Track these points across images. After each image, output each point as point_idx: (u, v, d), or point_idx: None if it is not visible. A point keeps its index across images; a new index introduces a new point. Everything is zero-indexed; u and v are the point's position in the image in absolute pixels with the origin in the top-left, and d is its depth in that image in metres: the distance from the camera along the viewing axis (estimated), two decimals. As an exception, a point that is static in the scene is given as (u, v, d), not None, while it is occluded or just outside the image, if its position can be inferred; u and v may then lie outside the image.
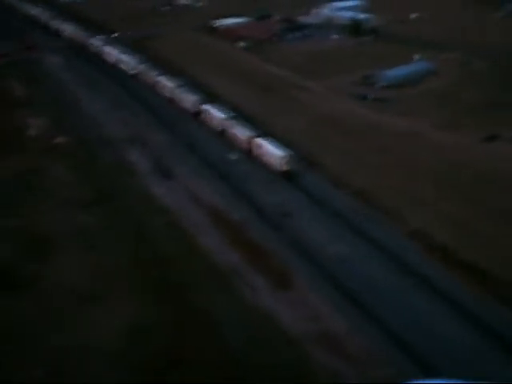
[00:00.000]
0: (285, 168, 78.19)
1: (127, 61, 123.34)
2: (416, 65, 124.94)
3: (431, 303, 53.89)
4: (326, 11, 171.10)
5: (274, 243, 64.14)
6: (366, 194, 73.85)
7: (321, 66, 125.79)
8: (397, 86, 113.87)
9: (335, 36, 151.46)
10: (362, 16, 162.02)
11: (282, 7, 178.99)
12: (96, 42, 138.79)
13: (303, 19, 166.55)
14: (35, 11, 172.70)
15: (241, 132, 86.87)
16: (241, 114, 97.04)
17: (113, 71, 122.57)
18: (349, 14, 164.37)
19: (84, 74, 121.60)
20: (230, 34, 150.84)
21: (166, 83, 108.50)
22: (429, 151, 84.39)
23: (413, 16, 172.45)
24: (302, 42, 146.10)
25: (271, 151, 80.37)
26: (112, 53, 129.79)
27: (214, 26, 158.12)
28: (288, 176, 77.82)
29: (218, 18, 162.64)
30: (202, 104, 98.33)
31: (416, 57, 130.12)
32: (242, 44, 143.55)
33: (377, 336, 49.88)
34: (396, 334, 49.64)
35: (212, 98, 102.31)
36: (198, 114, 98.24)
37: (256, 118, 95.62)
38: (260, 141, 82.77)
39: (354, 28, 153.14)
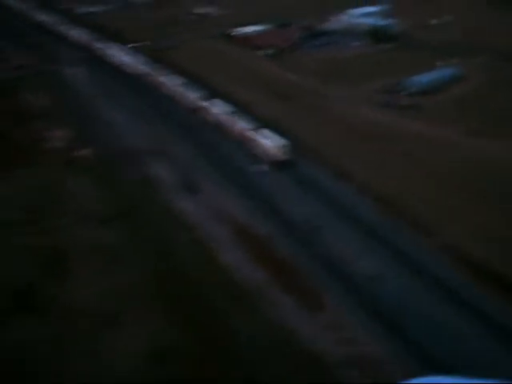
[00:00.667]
0: (283, 157, 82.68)
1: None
2: (441, 71, 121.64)
3: (473, 327, 50.74)
4: (346, 18, 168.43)
5: (300, 258, 61.59)
6: (395, 205, 71.12)
7: (343, 73, 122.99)
8: (422, 93, 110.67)
9: (357, 43, 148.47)
10: (383, 22, 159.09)
11: (302, 14, 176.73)
12: (114, 52, 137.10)
13: (324, 26, 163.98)
14: (52, 22, 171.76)
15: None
16: (265, 124, 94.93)
17: (132, 81, 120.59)
18: (370, 21, 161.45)
19: (103, 84, 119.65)
20: (250, 42, 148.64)
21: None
22: (458, 159, 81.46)
23: (435, 21, 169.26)
24: (323, 50, 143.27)
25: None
26: (131, 63, 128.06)
27: (234, 34, 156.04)
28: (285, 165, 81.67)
29: (237, 26, 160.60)
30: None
31: (440, 62, 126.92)
32: (262, 52, 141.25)
33: (415, 363, 46.92)
34: (438, 362, 46.65)
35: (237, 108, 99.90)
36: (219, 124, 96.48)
37: (281, 128, 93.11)
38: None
39: (376, 34, 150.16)
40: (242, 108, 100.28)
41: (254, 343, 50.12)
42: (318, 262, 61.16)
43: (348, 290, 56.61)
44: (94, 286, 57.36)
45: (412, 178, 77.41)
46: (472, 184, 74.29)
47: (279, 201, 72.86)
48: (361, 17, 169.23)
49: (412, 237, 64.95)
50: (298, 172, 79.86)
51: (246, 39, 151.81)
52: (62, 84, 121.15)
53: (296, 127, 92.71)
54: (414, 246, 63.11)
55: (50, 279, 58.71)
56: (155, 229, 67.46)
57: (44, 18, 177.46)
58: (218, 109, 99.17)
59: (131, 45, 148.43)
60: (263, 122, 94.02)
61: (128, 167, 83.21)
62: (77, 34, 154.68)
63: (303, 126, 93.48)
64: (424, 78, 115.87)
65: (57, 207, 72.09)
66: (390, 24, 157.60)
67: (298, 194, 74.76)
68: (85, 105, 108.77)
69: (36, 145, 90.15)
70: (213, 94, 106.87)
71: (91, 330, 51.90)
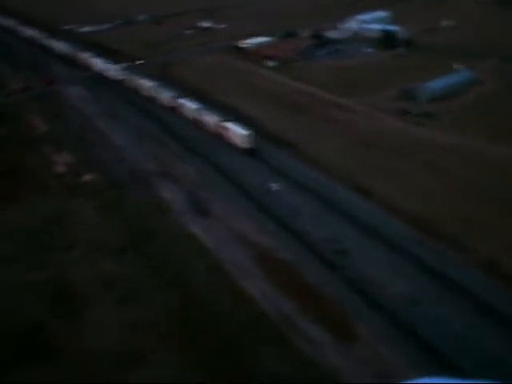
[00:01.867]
0: (247, 146, 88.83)
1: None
2: (456, 75, 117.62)
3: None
4: (352, 25, 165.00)
5: (329, 285, 57.26)
6: (421, 220, 67.03)
7: (355, 82, 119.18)
8: (438, 99, 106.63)
9: (366, 50, 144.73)
10: (391, 28, 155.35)
11: (307, 23, 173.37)
12: (118, 70, 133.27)
13: (330, 34, 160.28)
14: (55, 43, 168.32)
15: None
16: (277, 139, 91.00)
17: (137, 100, 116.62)
18: (378, 27, 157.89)
19: (107, 105, 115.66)
20: (257, 54, 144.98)
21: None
22: (483, 169, 77.41)
23: (442, 24, 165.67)
24: (332, 58, 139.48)
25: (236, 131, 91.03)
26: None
27: (240, 46, 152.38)
28: (249, 152, 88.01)
29: (242, 38, 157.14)
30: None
31: (454, 67, 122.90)
32: (269, 64, 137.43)
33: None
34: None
35: (246, 123, 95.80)
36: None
37: (294, 142, 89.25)
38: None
39: (386, 40, 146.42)
40: (253, 124, 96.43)
41: (286, 380, 45.91)
42: (347, 286, 56.92)
43: (382, 317, 52.34)
44: (109, 325, 53.11)
45: (437, 190, 73.30)
46: (503, 195, 70.08)
47: (300, 222, 68.64)
48: (368, 23, 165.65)
49: (445, 254, 60.73)
50: (318, 191, 75.67)
51: (252, 51, 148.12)
52: (64, 105, 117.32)
53: (309, 141, 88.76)
54: (448, 262, 58.86)
55: (61, 319, 54.48)
56: (170, 257, 63.05)
57: (47, 39, 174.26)
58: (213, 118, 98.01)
59: (137, 62, 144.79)
60: (276, 139, 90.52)
61: (135, 190, 79.02)
62: (77, 53, 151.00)
63: (316, 139, 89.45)
64: (438, 84, 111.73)
65: (65, 238, 67.85)
66: (398, 29, 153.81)
67: (323, 215, 70.60)
68: (87, 126, 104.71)
69: (41, 170, 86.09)
70: (223, 111, 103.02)
71: (107, 374, 47.62)
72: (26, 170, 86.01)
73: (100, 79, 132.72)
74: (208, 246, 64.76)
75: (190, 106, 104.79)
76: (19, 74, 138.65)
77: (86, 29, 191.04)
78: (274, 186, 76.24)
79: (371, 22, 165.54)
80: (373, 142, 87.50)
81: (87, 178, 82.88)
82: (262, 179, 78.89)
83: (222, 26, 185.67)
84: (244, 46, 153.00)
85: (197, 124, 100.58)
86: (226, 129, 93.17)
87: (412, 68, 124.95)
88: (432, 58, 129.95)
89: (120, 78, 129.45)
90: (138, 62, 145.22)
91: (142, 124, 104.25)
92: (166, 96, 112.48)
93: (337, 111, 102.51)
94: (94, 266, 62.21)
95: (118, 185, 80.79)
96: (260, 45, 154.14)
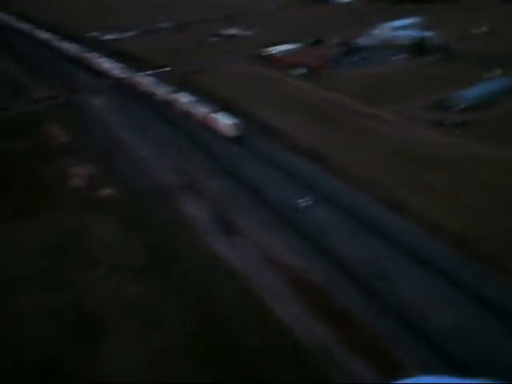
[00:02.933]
0: (234, 134, 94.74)
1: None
2: (491, 83, 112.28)
3: None
4: (383, 31, 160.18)
5: (367, 311, 52.59)
6: (464, 239, 62.11)
7: (386, 90, 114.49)
8: (475, 108, 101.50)
9: (397, 57, 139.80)
10: (422, 34, 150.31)
11: (333, 30, 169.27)
12: (142, 79, 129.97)
13: (360, 42, 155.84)
14: (75, 50, 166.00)
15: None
16: (306, 152, 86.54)
17: (162, 110, 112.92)
18: (409, 33, 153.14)
19: (130, 115, 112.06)
20: (284, 62, 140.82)
21: (221, 120, 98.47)
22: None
23: (476, 31, 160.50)
24: (361, 66, 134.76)
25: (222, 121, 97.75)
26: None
27: (266, 54, 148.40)
28: (236, 140, 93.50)
29: (268, 46, 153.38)
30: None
31: (489, 74, 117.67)
32: (297, 72, 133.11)
33: None
34: None
35: (272, 134, 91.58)
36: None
37: (324, 154, 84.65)
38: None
39: (417, 47, 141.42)
40: (281, 136, 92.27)
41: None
42: (386, 313, 52.18)
43: (427, 347, 47.56)
44: (131, 354, 49.05)
45: (478, 206, 68.34)
46: None
47: (334, 242, 64.00)
48: (397, 30, 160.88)
49: (491, 278, 55.84)
50: (350, 206, 71.08)
51: (279, 59, 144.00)
52: (86, 116, 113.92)
53: (342, 154, 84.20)
54: (495, 287, 53.94)
55: (80, 346, 50.57)
56: (195, 279, 58.77)
57: (67, 46, 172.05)
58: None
59: (160, 70, 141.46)
60: (305, 151, 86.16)
61: (156, 205, 74.95)
62: (101, 61, 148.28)
63: (350, 152, 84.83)
64: (474, 92, 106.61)
65: (83, 257, 63.92)
66: (429, 36, 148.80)
67: (357, 233, 65.92)
68: (109, 138, 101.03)
69: (59, 184, 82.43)
70: (250, 121, 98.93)
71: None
72: (43, 183, 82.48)
73: (124, 89, 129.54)
74: (236, 266, 60.26)
75: (182, 99, 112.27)
76: (44, 82, 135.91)
77: (110, 36, 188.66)
78: (303, 202, 71.55)
79: (402, 28, 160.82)
80: (407, 154, 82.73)
81: (106, 191, 78.95)
82: (291, 194, 74.42)
83: (247, 33, 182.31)
84: (270, 53, 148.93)
85: (188, 115, 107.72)
86: (215, 119, 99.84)
87: (445, 76, 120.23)
88: (466, 66, 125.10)
89: (145, 87, 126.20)
90: (162, 70, 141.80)
91: (163, 132, 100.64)
92: (162, 90, 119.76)
93: (368, 121, 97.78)
94: (116, 287, 58.19)
95: (137, 199, 76.79)
96: (287, 52, 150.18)
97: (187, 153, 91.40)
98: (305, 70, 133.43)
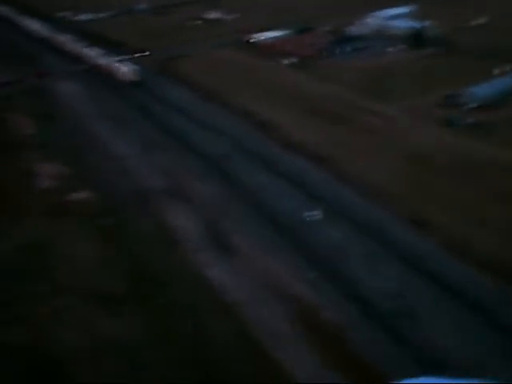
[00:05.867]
0: (132, 78, 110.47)
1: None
2: (503, 80, 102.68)
3: None
4: (375, 20, 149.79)
5: (396, 366, 42.38)
6: (499, 265, 52.23)
7: (386, 85, 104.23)
8: (488, 107, 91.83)
9: (393, 49, 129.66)
10: (419, 25, 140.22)
11: (322, 17, 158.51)
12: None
13: (351, 30, 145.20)
14: (44, 31, 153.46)
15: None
16: (306, 153, 76.32)
17: (140, 100, 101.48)
18: (404, 23, 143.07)
19: (106, 105, 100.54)
20: (271, 50, 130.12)
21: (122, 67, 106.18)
22: None
23: (474, 22, 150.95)
24: (356, 57, 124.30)
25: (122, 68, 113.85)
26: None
27: (252, 41, 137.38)
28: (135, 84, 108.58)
29: (253, 32, 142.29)
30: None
31: (499, 70, 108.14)
32: (286, 61, 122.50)
33: None
34: None
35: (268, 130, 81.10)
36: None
37: (326, 156, 74.47)
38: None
39: (415, 39, 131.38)
40: (274, 133, 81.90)
41: None
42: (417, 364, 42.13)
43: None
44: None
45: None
46: None
47: (349, 268, 53.75)
48: (390, 19, 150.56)
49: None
50: (363, 222, 60.95)
51: (267, 47, 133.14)
52: (54, 103, 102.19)
53: (346, 157, 74.15)
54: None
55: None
56: (183, 314, 48.08)
57: (36, 26, 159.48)
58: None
59: (137, 55, 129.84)
60: (305, 152, 75.93)
61: (137, 214, 64.07)
62: (72, 44, 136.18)
63: (357, 154, 74.93)
64: (486, 89, 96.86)
65: (47, 281, 52.75)
66: (425, 27, 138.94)
67: (374, 256, 55.79)
68: (80, 129, 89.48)
69: (23, 186, 71.07)
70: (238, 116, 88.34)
71: None
72: (3, 184, 71.05)
73: (97, 74, 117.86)
74: (232, 298, 49.73)
75: (91, 52, 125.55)
76: (7, 65, 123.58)
77: (83, 17, 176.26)
78: (311, 216, 61.25)
79: (396, 17, 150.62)
80: (423, 160, 72.80)
81: (77, 195, 67.89)
82: (295, 205, 64.07)
83: (231, 17, 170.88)
84: (257, 40, 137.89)
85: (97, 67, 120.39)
86: (116, 67, 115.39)
87: (449, 70, 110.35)
88: (469, 59, 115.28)
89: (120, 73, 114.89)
90: (140, 55, 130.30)
91: (143, 125, 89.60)
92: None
93: (373, 119, 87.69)
94: (84, 323, 47.25)
95: (115, 205, 65.75)
96: (274, 39, 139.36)
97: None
98: (295, 60, 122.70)
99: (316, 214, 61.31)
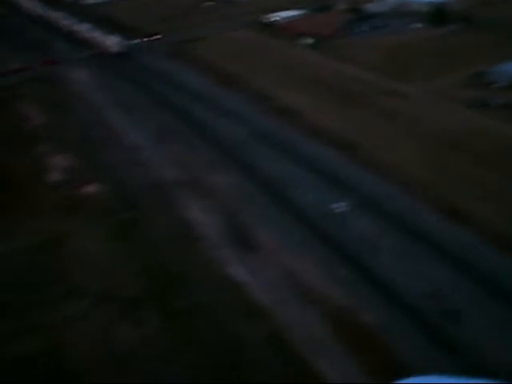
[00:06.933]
0: (117, 49, 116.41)
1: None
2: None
3: None
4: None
5: (437, 365, 38.81)
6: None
7: (409, 64, 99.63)
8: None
9: (415, 25, 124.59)
10: (440, 0, 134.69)
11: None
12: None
13: (370, 8, 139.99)
14: (53, 16, 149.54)
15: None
16: (329, 138, 72.23)
17: (154, 87, 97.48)
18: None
19: (118, 92, 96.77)
20: (289, 30, 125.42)
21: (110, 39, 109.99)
22: None
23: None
24: (376, 36, 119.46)
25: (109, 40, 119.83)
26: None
27: (268, 21, 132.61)
28: (122, 56, 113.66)
29: (269, 12, 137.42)
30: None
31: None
32: (305, 41, 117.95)
33: None
34: None
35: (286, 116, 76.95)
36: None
37: (352, 143, 70.37)
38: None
39: (437, 15, 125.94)
40: (295, 120, 77.82)
41: None
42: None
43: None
44: None
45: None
46: None
47: (382, 263, 49.94)
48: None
49: None
50: (396, 214, 56.95)
51: (283, 27, 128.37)
52: (65, 92, 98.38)
53: (369, 142, 70.00)
54: None
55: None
56: (208, 319, 44.62)
57: (45, 12, 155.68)
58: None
59: (150, 38, 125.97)
60: (328, 138, 71.82)
61: (153, 209, 60.47)
62: (82, 29, 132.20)
63: (383, 140, 70.71)
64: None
65: (61, 284, 49.54)
66: (447, 2, 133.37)
67: (411, 252, 51.86)
68: (91, 119, 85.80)
69: (35, 180, 67.78)
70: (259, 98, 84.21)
71: None
72: (14, 178, 67.72)
73: (108, 60, 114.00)
74: (259, 300, 46.18)
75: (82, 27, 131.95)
76: (15, 51, 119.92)
77: (90, 1, 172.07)
78: (339, 207, 57.41)
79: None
80: (456, 146, 68.55)
81: (90, 188, 64.52)
82: (324, 196, 60.10)
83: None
84: (273, 20, 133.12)
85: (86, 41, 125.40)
86: (103, 39, 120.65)
87: (474, 47, 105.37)
88: (496, 36, 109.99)
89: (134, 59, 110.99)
90: (153, 38, 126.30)
91: (158, 112, 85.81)
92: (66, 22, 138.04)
93: (398, 101, 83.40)
94: (99, 329, 44.02)
95: (129, 200, 62.26)
96: (291, 19, 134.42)
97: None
98: (313, 40, 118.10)
99: (343, 206, 57.38)
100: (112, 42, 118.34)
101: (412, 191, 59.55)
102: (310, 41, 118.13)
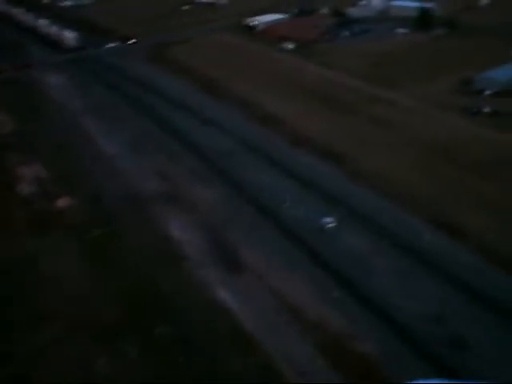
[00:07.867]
0: (74, 44, 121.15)
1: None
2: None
3: None
4: (377, 1, 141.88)
5: None
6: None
7: (398, 70, 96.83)
8: (509, 93, 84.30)
9: (400, 30, 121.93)
10: (423, 5, 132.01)
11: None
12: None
13: (354, 12, 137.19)
14: (30, 19, 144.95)
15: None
16: (318, 149, 68.85)
17: (132, 92, 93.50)
18: (409, 4, 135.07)
19: (94, 97, 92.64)
20: (270, 34, 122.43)
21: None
22: None
23: (483, 2, 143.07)
24: (361, 41, 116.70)
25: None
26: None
27: (249, 25, 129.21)
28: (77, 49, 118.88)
29: (250, 15, 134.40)
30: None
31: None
32: (287, 46, 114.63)
33: None
34: None
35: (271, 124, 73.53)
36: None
37: (339, 152, 67.14)
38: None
39: (421, 20, 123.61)
40: (279, 128, 74.44)
41: None
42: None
43: None
44: None
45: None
46: None
47: (378, 285, 46.54)
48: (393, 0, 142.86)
49: None
50: (388, 229, 53.60)
51: (265, 31, 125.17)
52: (38, 97, 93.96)
53: (357, 153, 66.78)
54: None
55: None
56: (195, 350, 40.68)
57: (18, 12, 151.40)
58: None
59: (127, 42, 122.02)
60: (317, 148, 68.42)
61: (130, 225, 56.38)
62: (57, 31, 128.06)
63: (372, 149, 67.66)
64: (504, 74, 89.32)
65: (30, 306, 45.39)
66: (434, 7, 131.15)
67: (406, 271, 48.53)
68: (64, 126, 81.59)
69: (3, 194, 63.38)
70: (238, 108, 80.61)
71: None
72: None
73: (86, 63, 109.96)
74: (248, 328, 42.39)
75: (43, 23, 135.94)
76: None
77: (67, 3, 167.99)
78: (327, 222, 53.93)
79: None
80: (448, 155, 65.71)
81: (63, 202, 60.40)
82: (310, 210, 56.58)
83: (225, 0, 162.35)
84: (254, 24, 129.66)
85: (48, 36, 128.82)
86: (61, 34, 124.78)
87: (461, 53, 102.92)
88: (480, 42, 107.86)
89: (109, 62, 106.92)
90: (129, 42, 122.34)
91: (135, 119, 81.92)
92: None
93: (385, 109, 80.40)
94: (73, 360, 39.98)
95: (103, 214, 58.20)
96: (272, 23, 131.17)
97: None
98: (295, 44, 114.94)
99: (333, 221, 53.86)
100: (69, 35, 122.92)
101: (402, 203, 56.30)
102: (292, 45, 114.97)
